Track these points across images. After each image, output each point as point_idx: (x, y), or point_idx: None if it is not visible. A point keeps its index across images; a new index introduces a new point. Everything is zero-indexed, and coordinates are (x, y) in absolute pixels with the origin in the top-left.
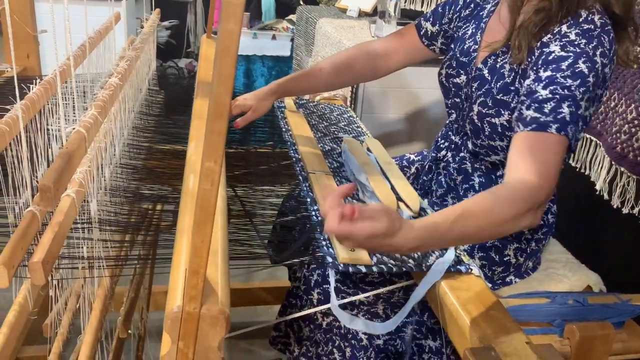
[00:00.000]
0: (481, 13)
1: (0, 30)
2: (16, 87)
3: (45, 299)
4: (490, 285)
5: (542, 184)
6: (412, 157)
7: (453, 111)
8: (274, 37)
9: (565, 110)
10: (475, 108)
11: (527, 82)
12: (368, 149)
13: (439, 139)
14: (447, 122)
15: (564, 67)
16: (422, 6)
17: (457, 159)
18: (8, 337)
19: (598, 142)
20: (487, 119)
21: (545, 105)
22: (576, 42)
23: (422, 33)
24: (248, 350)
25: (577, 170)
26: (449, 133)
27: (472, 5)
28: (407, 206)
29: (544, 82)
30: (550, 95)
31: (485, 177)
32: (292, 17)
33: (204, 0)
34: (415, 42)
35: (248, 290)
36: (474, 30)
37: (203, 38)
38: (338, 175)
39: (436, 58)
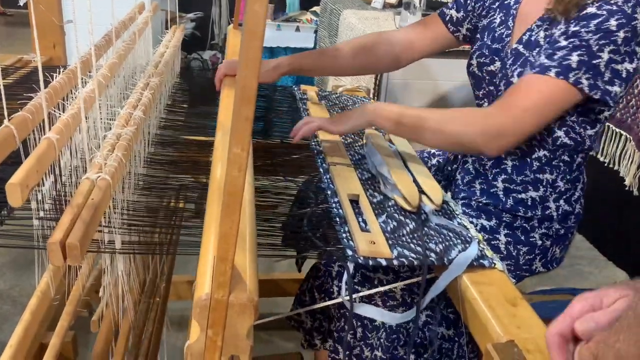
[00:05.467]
0: (507, 2)
1: (28, 21)
2: (40, 76)
3: (68, 287)
4: (514, 269)
5: (497, 112)
6: (434, 150)
7: (485, 100)
8: (297, 29)
9: (573, 58)
10: (515, 80)
11: (555, 32)
12: (390, 141)
13: None
14: None
15: (592, 24)
16: None
17: None
18: (30, 322)
19: (628, 136)
20: None
21: (557, 53)
22: (613, 1)
23: (447, 19)
24: (267, 341)
25: (605, 165)
26: None
27: None
28: (430, 199)
29: (567, 34)
30: (565, 44)
31: (520, 160)
32: (316, 8)
33: None
34: (441, 30)
35: (268, 282)
36: (503, 18)
37: (230, 29)
38: (359, 168)
39: (457, 48)
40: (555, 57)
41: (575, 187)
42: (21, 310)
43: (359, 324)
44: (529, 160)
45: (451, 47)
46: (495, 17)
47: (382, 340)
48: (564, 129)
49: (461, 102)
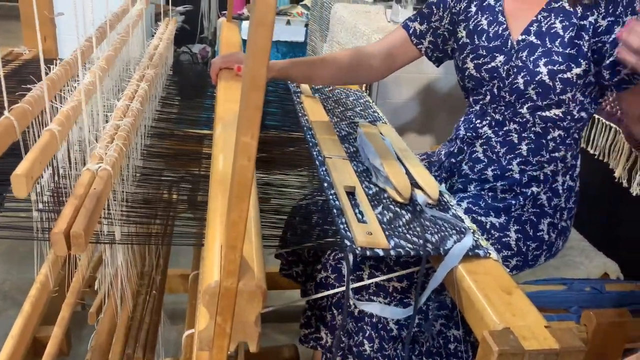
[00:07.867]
0: (485, 3)
1: (16, 14)
2: (42, 67)
3: (62, 279)
4: (522, 265)
5: None
6: (430, 152)
7: (488, 95)
8: (288, 23)
9: None
10: (544, 69)
11: (601, 23)
12: (381, 134)
13: (473, 120)
14: (478, 106)
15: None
16: None
17: (500, 133)
18: (30, 314)
19: (618, 129)
20: (560, 75)
21: None
22: None
23: (411, 32)
24: (262, 334)
25: (596, 157)
26: (488, 111)
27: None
28: (425, 193)
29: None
30: None
31: (535, 142)
32: (306, 2)
33: None
34: (405, 42)
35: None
36: (491, 18)
37: (223, 22)
38: (355, 160)
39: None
40: None
41: (577, 163)
42: (12, 305)
43: (376, 334)
44: (544, 141)
45: (413, 59)
46: (479, 19)
47: (398, 350)
48: (579, 108)
49: (449, 89)
